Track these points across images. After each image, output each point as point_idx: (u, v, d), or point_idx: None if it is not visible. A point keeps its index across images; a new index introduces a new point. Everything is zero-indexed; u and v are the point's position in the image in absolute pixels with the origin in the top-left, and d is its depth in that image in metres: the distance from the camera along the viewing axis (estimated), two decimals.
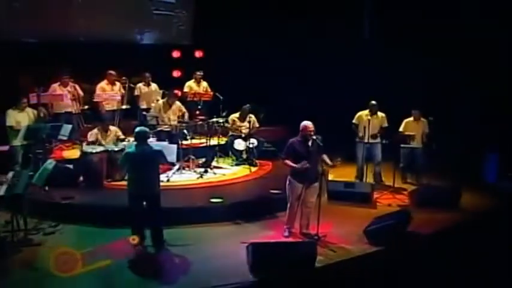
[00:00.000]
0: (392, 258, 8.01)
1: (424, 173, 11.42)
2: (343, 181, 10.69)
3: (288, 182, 8.43)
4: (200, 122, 11.35)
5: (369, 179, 11.32)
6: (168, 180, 10.44)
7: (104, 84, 12.29)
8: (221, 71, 14.45)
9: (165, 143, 9.69)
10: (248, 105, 11.81)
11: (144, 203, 7.83)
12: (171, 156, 8.91)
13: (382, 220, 8.61)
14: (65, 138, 10.24)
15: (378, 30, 14.76)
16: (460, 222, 9.46)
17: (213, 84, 13.80)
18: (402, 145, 11.26)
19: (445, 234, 8.87)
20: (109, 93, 11.93)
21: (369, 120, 11.04)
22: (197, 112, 12.51)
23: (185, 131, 10.98)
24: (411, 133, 11.08)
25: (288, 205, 8.49)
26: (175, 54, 15.66)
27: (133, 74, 13.28)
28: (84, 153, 10.02)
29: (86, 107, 12.02)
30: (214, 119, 11.54)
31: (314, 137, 8.20)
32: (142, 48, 15.15)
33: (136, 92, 12.90)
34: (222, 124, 11.67)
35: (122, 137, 10.67)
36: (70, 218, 8.87)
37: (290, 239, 8.38)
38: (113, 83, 12.30)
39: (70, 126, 10.25)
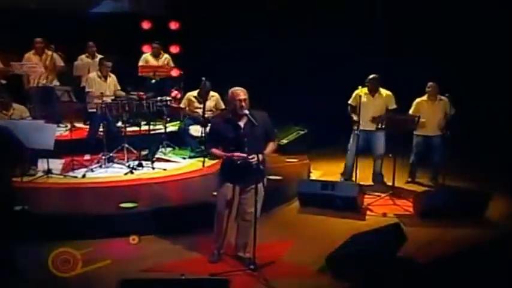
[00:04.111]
0: None
1: (442, 170, 8.41)
2: (320, 180, 7.82)
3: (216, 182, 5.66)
4: (132, 99, 8.45)
5: (365, 178, 8.44)
6: (83, 176, 7.81)
7: (30, 54, 9.79)
8: (200, 46, 12.22)
9: (41, 122, 6.92)
10: (204, 79, 8.96)
11: None
12: (46, 142, 6.15)
13: (358, 241, 5.68)
14: None
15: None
16: (482, 242, 6.44)
17: (190, 62, 11.45)
18: (416, 133, 8.39)
19: (455, 262, 5.88)
20: (28, 63, 9.29)
21: (360, 97, 8.13)
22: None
23: (108, 111, 8.17)
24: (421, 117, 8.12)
25: (215, 216, 5.67)
26: (146, 25, 12.96)
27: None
28: None
29: (3, 81, 9.37)
30: (158, 98, 8.74)
31: (246, 112, 5.32)
32: (104, 18, 12.56)
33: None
34: (168, 104, 8.88)
35: (29, 119, 7.95)
36: None
37: (215, 267, 5.56)
38: (40, 53, 9.72)
39: None
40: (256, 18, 12.22)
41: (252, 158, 5.26)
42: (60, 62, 9.86)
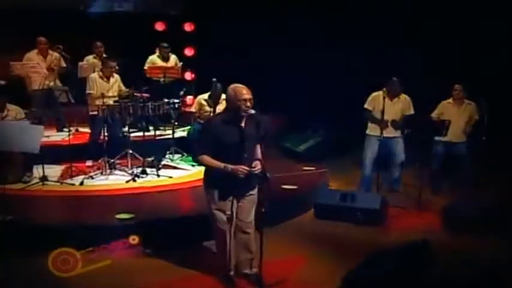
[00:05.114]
0: None
1: (469, 179, 7.70)
2: (339, 191, 7.16)
3: (205, 194, 4.95)
4: (135, 100, 7.81)
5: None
6: (81, 184, 7.25)
7: (33, 54, 9.22)
8: (216, 48, 11.66)
9: (26, 123, 6.36)
10: (215, 80, 8.32)
11: None
12: (31, 145, 5.57)
13: (381, 259, 4.96)
14: None
15: None
16: None
17: (206, 64, 10.83)
18: (437, 138, 7.64)
19: (490, 284, 5.13)
20: (29, 63, 8.74)
21: (383, 98, 7.40)
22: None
23: (110, 114, 7.58)
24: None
25: (216, 235, 4.98)
26: (159, 27, 12.41)
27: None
28: None
29: (2, 82, 8.83)
30: (165, 100, 8.12)
31: (252, 112, 4.66)
32: (116, 18, 12.08)
33: None
34: (176, 107, 8.27)
35: (25, 120, 7.37)
36: None
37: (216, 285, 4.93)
38: (45, 54, 9.20)
39: None
40: (276, 20, 11.61)
41: (255, 167, 4.62)
42: (62, 63, 9.33)
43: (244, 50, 11.57)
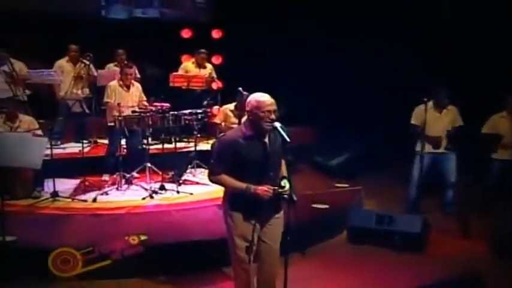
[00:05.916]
0: None
1: None
2: (375, 212, 6.56)
3: (224, 217, 4.30)
4: (159, 114, 7.26)
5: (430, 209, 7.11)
6: (94, 200, 6.73)
7: (63, 61, 8.93)
8: (245, 56, 11.19)
9: (28, 135, 5.86)
10: (240, 89, 7.72)
11: None
12: (32, 160, 5.05)
13: None
14: None
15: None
16: None
17: (234, 73, 10.18)
18: (495, 156, 7.04)
19: None
20: (44, 71, 8.29)
21: (424, 114, 6.76)
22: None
23: (126, 125, 7.06)
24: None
25: (235, 266, 4.29)
26: (186, 34, 11.96)
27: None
28: None
29: (28, 92, 8.39)
30: (186, 111, 7.57)
31: (278, 125, 4.03)
32: (140, 25, 11.66)
33: None
34: (200, 117, 7.71)
35: (38, 132, 6.91)
36: None
37: None
38: (75, 61, 8.84)
39: None
40: (305, 28, 11.09)
41: (284, 187, 4.02)
42: (93, 72, 8.90)
43: (273, 58, 11.11)
